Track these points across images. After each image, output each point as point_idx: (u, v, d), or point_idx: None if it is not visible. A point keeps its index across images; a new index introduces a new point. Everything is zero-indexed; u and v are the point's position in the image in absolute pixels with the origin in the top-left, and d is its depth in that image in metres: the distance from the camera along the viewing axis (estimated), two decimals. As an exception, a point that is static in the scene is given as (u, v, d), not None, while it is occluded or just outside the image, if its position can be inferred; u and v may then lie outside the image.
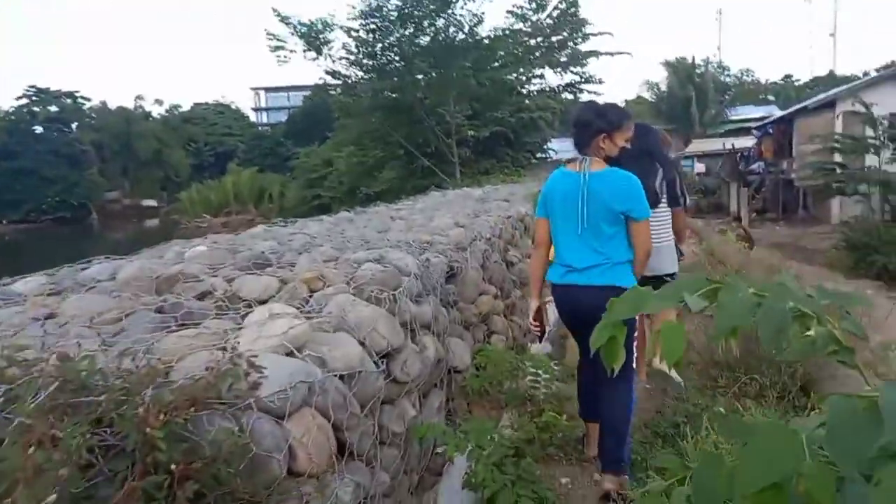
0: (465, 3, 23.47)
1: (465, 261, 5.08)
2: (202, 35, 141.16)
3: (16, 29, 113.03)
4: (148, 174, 65.23)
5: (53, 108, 63.25)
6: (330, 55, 24.06)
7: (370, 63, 23.91)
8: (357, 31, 23.07)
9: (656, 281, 4.23)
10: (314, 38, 23.45)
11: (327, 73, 24.51)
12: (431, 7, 22.59)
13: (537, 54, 27.53)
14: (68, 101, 65.26)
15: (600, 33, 28.26)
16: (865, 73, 55.52)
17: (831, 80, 65.61)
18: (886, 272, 15.32)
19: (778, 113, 42.07)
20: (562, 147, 40.22)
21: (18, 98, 62.45)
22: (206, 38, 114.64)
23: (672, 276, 4.77)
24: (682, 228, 5.15)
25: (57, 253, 44.38)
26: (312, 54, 23.92)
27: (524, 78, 28.35)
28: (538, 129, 29.32)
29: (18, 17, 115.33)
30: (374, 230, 5.73)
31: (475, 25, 23.46)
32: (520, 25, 27.22)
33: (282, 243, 4.50)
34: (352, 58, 23.79)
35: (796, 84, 71.59)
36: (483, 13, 23.75)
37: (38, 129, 60.86)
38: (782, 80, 73.67)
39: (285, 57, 24.06)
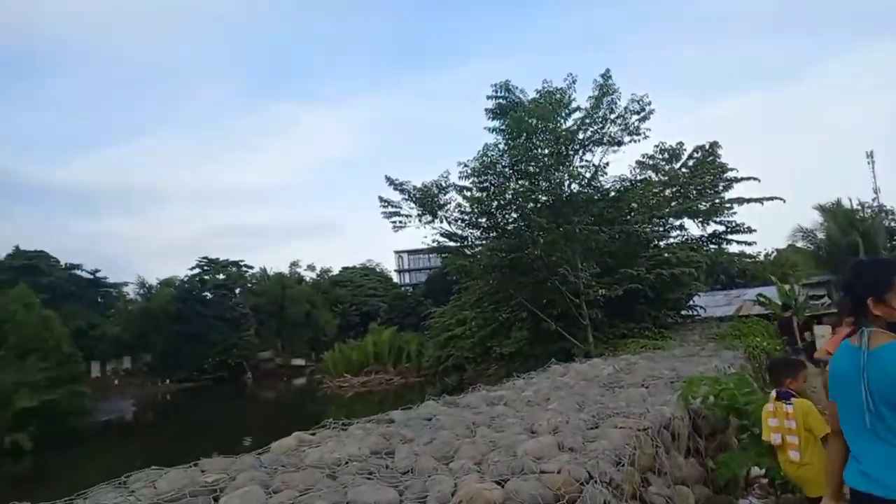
0: (584, 154, 21.09)
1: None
2: (355, 203, 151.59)
3: (191, 202, 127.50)
4: (299, 335, 66.52)
5: (221, 277, 67.60)
6: (445, 216, 22.27)
7: (486, 222, 21.77)
8: (470, 189, 21.19)
9: None
10: (429, 201, 21.85)
11: (443, 235, 22.60)
12: (548, 162, 20.38)
13: (673, 204, 24.11)
14: (234, 269, 69.71)
15: (745, 178, 24.57)
16: None
17: None
18: None
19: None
20: (711, 302, 35.32)
21: (192, 269, 67.54)
22: (359, 206, 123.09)
23: None
24: None
25: (208, 411, 44.73)
26: (427, 217, 22.27)
27: (660, 230, 24.88)
28: (681, 285, 25.18)
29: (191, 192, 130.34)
30: (436, 454, 4.61)
31: (593, 178, 20.69)
32: (650, 174, 24.21)
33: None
34: (466, 218, 21.81)
35: None
36: (606, 163, 21.10)
37: (207, 295, 64.70)
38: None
39: (400, 222, 22.60)
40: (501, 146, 20.78)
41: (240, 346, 62.21)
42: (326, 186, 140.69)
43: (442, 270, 37.28)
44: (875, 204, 44.47)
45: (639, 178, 23.63)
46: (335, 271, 76.49)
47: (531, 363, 18.90)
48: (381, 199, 22.19)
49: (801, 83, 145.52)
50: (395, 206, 22.26)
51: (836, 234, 37.49)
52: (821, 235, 38.64)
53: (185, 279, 66.71)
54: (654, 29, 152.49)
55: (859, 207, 39.88)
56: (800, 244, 41.60)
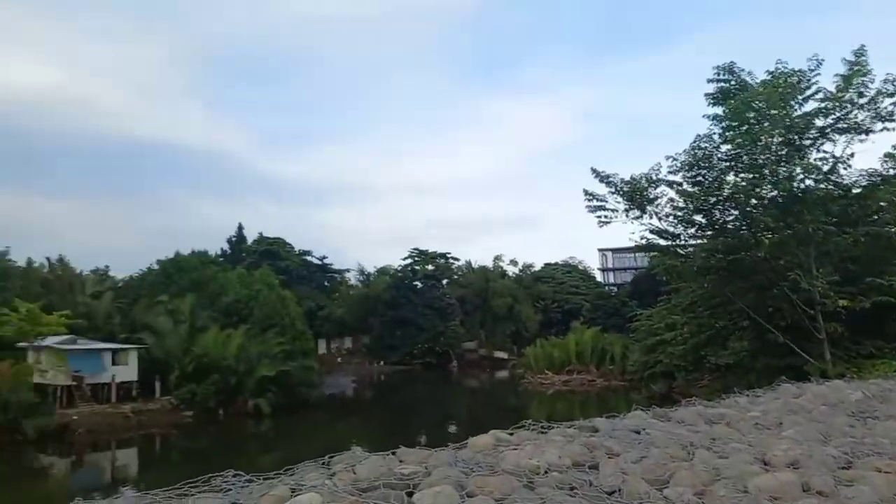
0: (822, 144, 18.38)
1: None
2: (560, 196, 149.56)
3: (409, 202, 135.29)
4: (501, 328, 67.67)
5: (430, 267, 71.06)
6: (655, 213, 20.83)
7: (701, 220, 19.94)
8: (681, 184, 19.56)
9: None
10: (637, 195, 20.58)
11: (653, 232, 21.15)
12: (777, 152, 18.08)
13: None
14: (441, 260, 72.85)
15: None
16: None
17: None
18: None
19: None
20: None
21: (404, 259, 71.81)
22: (564, 200, 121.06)
23: None
24: None
25: (417, 394, 47.31)
26: (635, 213, 21.02)
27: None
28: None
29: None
30: (647, 476, 3.94)
31: (831, 171, 17.93)
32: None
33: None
34: (679, 215, 20.15)
35: None
36: (851, 154, 18.20)
37: (418, 284, 68.38)
38: None
39: (606, 217, 21.58)
40: (716, 137, 18.84)
41: (446, 335, 64.86)
42: (531, 179, 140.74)
43: (649, 271, 35.17)
44: None
45: (891, 171, 20.00)
46: (537, 267, 76.56)
47: (752, 378, 17.02)
48: (585, 192, 21.43)
49: None
50: (601, 200, 21.32)
51: None
52: None
53: (399, 268, 71.09)
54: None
55: None
56: None
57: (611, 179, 21.01)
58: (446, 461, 4.74)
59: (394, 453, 5.12)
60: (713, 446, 4.96)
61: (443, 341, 64.56)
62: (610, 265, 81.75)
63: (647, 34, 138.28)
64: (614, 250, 79.55)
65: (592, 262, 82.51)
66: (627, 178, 20.89)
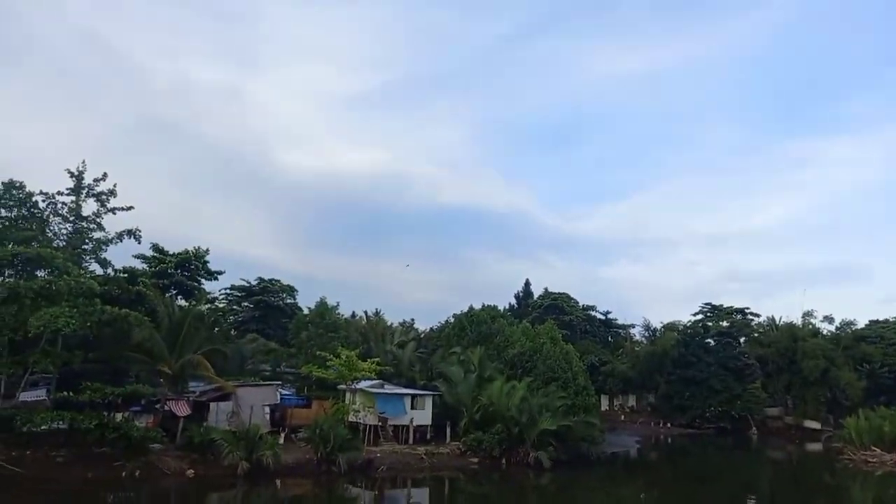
0: None
1: None
2: (887, 242, 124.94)
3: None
4: (812, 394, 57.85)
5: (724, 324, 64.34)
6: None
7: None
8: None
9: None
10: None
11: None
12: None
13: None
14: (738, 316, 65.57)
15: None
16: None
17: None
18: None
19: None
20: None
21: (694, 314, 66.25)
22: (890, 246, 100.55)
23: None
24: None
25: (709, 461, 42.41)
26: None
27: None
28: None
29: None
30: None
31: None
32: None
33: None
34: None
35: None
36: None
37: (710, 342, 62.31)
38: None
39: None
40: None
41: (744, 399, 57.66)
42: (848, 226, 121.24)
43: None
44: None
45: None
46: (860, 324, 64.41)
47: None
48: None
49: None
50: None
51: None
52: None
53: (689, 324, 65.94)
54: None
55: None
56: None
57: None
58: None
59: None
60: None
61: (739, 405, 57.39)
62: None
63: None
64: None
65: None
66: None
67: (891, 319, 63.68)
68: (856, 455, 42.37)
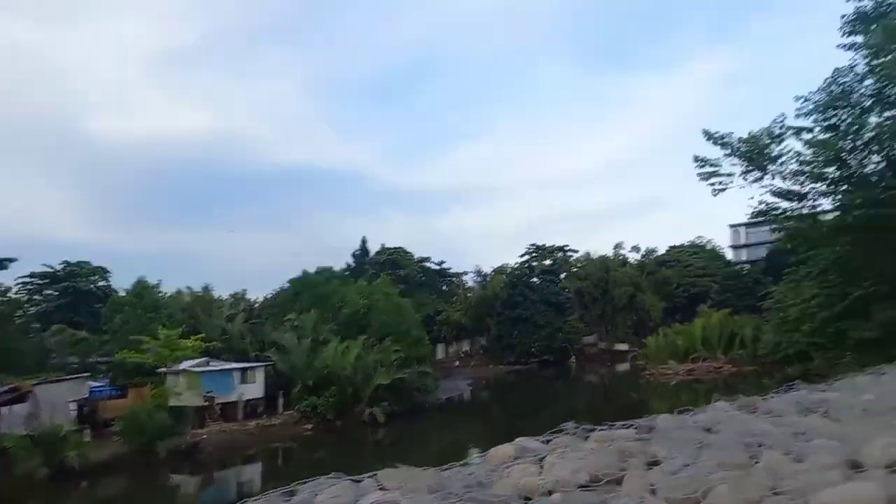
0: None
1: None
2: (685, 177, 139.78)
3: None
4: (622, 318, 63.78)
5: (547, 262, 68.47)
6: (778, 172, 17.56)
7: (834, 172, 16.47)
8: (811, 129, 16.24)
9: None
10: (756, 154, 17.42)
11: (774, 194, 17.83)
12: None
13: None
14: (559, 254, 70.08)
15: None
16: None
17: None
18: None
19: None
20: None
21: (521, 255, 69.75)
22: (690, 180, 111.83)
23: None
24: None
25: (533, 393, 45.16)
26: (755, 174, 17.84)
27: None
28: None
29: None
30: (674, 494, 3.05)
31: None
32: None
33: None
34: (806, 170, 16.76)
35: None
36: None
37: (535, 281, 66.04)
38: None
39: (721, 184, 18.54)
40: (860, 68, 15.37)
41: (564, 331, 62.11)
42: (658, 162, 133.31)
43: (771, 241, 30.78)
44: None
45: None
46: (661, 251, 71.49)
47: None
48: (696, 158, 18.51)
49: None
50: (714, 165, 18.32)
51: None
52: None
53: (516, 266, 69.16)
54: None
55: None
56: None
57: (725, 140, 18.00)
58: (426, 485, 3.69)
59: (375, 475, 4.38)
60: (794, 444, 3.67)
61: (560, 337, 61.72)
62: (743, 241, 74.54)
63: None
64: (748, 224, 72.53)
65: (723, 241, 76.00)
66: (745, 135, 17.77)
67: (686, 244, 71.21)
68: (655, 370, 47.62)
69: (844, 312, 21.28)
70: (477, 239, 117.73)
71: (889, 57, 14.55)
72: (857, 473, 2.99)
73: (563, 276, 68.38)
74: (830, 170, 16.54)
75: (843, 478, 2.90)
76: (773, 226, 18.91)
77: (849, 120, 15.44)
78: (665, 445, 3.89)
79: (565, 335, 61.95)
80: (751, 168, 17.65)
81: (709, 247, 71.54)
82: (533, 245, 70.48)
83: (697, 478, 3.06)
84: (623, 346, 62.22)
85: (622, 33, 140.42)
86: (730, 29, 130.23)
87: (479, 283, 72.23)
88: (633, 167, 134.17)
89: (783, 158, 17.22)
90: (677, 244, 71.63)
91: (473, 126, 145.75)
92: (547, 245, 70.85)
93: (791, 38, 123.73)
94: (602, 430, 4.67)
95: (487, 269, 72.34)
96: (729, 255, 74.03)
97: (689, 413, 5.19)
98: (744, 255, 73.85)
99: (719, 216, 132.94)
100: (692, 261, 67.36)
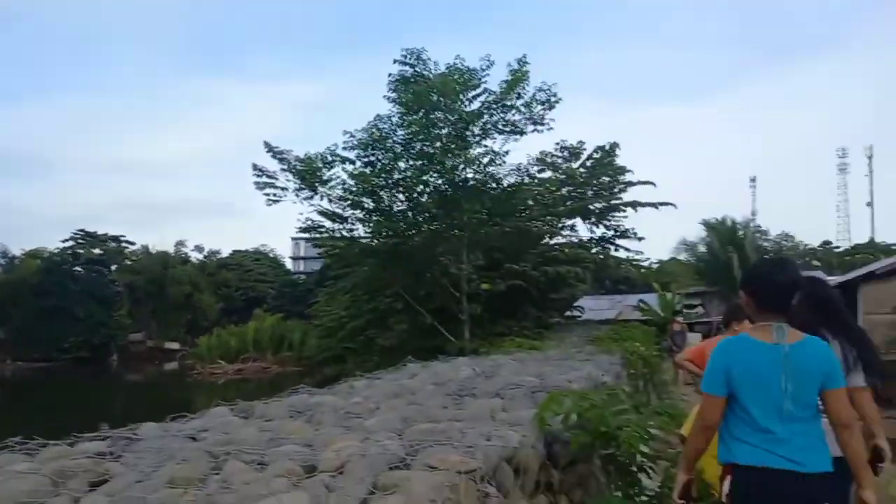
0: (485, 140, 19.06)
1: None
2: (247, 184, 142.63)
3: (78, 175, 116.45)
4: (175, 317, 61.01)
5: (97, 251, 60.95)
6: (327, 194, 19.48)
7: (370, 202, 19.19)
8: (354, 162, 18.58)
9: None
10: (309, 175, 18.95)
11: (321, 213, 19.73)
12: (446, 143, 18.13)
13: (569, 203, 22.60)
14: (113, 244, 63.18)
15: (642, 182, 23.44)
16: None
17: (872, 246, 59.85)
18: None
19: (831, 279, 36.10)
20: (594, 306, 34.53)
21: (65, 241, 60.51)
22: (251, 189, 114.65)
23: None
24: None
25: (67, 391, 39.23)
26: (306, 192, 19.39)
27: (552, 228, 23.37)
28: (568, 286, 23.88)
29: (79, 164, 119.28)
30: None
31: (489, 163, 18.66)
32: (549, 172, 22.50)
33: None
34: (350, 198, 19.09)
35: (836, 251, 65.66)
36: (506, 152, 19.15)
37: (79, 270, 57.99)
38: (821, 246, 67.71)
39: (276, 196, 19.55)
40: (395, 119, 18.22)
41: (109, 326, 56.09)
42: (228, 168, 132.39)
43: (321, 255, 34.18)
44: (753, 224, 46.23)
45: (537, 173, 21.69)
46: (225, 254, 71.06)
47: (413, 359, 16.64)
48: (255, 166, 19.09)
49: (704, 105, 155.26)
50: (271, 177, 19.19)
51: (716, 249, 38.31)
52: (702, 249, 39.24)
53: (57, 251, 59.58)
54: (576, 31, 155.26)
55: (740, 226, 40.95)
56: (682, 256, 42.06)
57: (284, 156, 19.03)
58: None
59: None
60: (265, 451, 3.54)
61: (103, 333, 55.46)
62: (302, 253, 79.70)
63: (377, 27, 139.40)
64: (308, 238, 77.80)
65: (287, 251, 79.88)
66: (303, 155, 19.11)
67: (250, 250, 72.39)
68: (204, 369, 46.85)
69: (369, 323, 24.84)
70: (18, 218, 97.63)
71: (415, 116, 17.76)
72: (305, 479, 2.98)
73: (114, 267, 61.81)
74: (367, 200, 19.17)
75: (289, 485, 2.87)
76: (318, 242, 20.79)
77: (384, 161, 18.17)
78: (132, 460, 3.51)
79: (110, 330, 55.81)
80: (304, 186, 19.09)
81: (271, 255, 74.14)
82: (81, 231, 61.88)
83: (133, 498, 2.84)
84: (174, 345, 59.25)
85: (219, 37, 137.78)
86: (320, 62, 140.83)
87: (2, 267, 59.76)
88: (206, 168, 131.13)
89: (332, 183, 19.16)
90: (242, 249, 72.36)
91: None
92: (99, 233, 63.13)
93: (369, 79, 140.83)
94: (60, 444, 3.99)
95: (18, 251, 60.57)
96: (289, 264, 78.18)
97: (182, 420, 4.88)
98: (302, 265, 79.22)
99: (284, 228, 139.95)
100: (254, 266, 68.80)
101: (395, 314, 22.81)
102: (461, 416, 4.53)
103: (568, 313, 25.59)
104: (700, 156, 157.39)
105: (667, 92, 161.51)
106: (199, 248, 68.82)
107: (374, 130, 18.06)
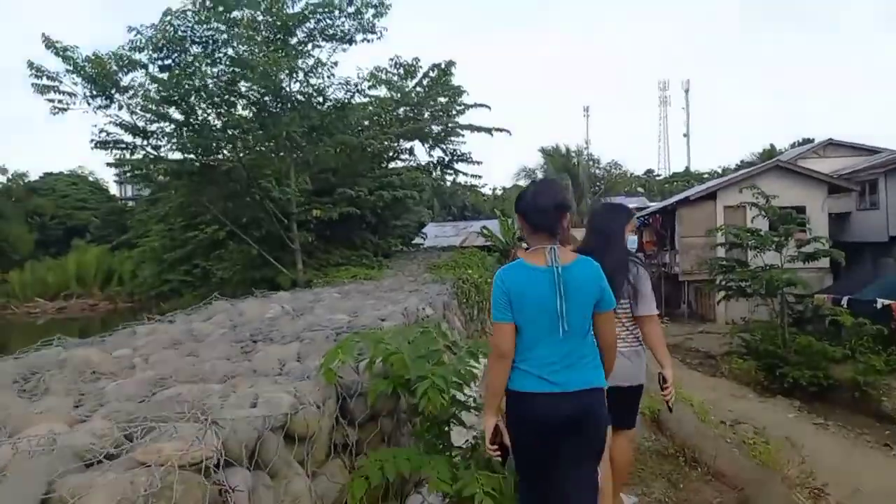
0: (311, 48, 16.92)
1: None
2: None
3: None
4: (-23, 250, 52.82)
5: None
6: (127, 104, 16.45)
7: (178, 116, 16.43)
8: (146, 66, 15.71)
9: (618, 393, 3.53)
10: (103, 79, 15.76)
11: (118, 125, 16.62)
12: (265, 48, 15.74)
13: (406, 125, 21.22)
14: None
15: (477, 105, 22.61)
16: (723, 170, 54.79)
17: (687, 175, 65.20)
18: (798, 387, 13.77)
19: (652, 204, 38.70)
20: (440, 233, 34.25)
21: None
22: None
23: (640, 388, 3.85)
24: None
25: None
26: (101, 101, 16.21)
27: (390, 151, 22.05)
28: (408, 210, 22.96)
29: None
30: None
31: (311, 72, 16.58)
32: (383, 92, 20.73)
33: None
34: (153, 107, 16.20)
35: (658, 178, 71.10)
36: (335, 63, 17.13)
37: None
38: (645, 174, 72.93)
39: (62, 103, 16.17)
40: (190, 14, 15.31)
41: None
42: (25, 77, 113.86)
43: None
44: (586, 152, 48.43)
45: (369, 89, 19.69)
46: (34, 176, 62.17)
47: (240, 291, 15.00)
48: (30, 64, 15.45)
49: (542, 32, 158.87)
50: (54, 80, 15.75)
51: (552, 175, 39.80)
52: (540, 175, 40.37)
53: None
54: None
55: (574, 154, 42.60)
56: (522, 182, 43.04)
57: (69, 53, 15.57)
58: None
59: None
60: None
61: None
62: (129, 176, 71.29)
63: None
64: (110, 162, 69.30)
65: (110, 175, 70.95)
66: (92, 55, 15.74)
67: (65, 172, 63.64)
68: (19, 308, 41.85)
69: (194, 253, 22.45)
70: None
71: (216, 11, 15.12)
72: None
73: None
74: (174, 112, 16.42)
75: None
76: (113, 161, 17.66)
77: (184, 64, 15.48)
78: None
79: None
80: (97, 93, 15.97)
81: (91, 178, 65.66)
82: None
83: None
84: (-24, 283, 51.62)
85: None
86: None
87: None
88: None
89: (132, 92, 16.16)
90: (55, 171, 63.49)
91: None
92: None
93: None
94: None
95: None
96: (114, 189, 69.65)
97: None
98: (129, 190, 70.84)
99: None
100: (71, 191, 60.61)
101: (221, 244, 20.71)
102: (240, 371, 3.72)
103: (413, 241, 24.85)
104: (541, 84, 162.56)
105: (506, 16, 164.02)
106: (2, 171, 59.52)
107: (167, 29, 15.12)
